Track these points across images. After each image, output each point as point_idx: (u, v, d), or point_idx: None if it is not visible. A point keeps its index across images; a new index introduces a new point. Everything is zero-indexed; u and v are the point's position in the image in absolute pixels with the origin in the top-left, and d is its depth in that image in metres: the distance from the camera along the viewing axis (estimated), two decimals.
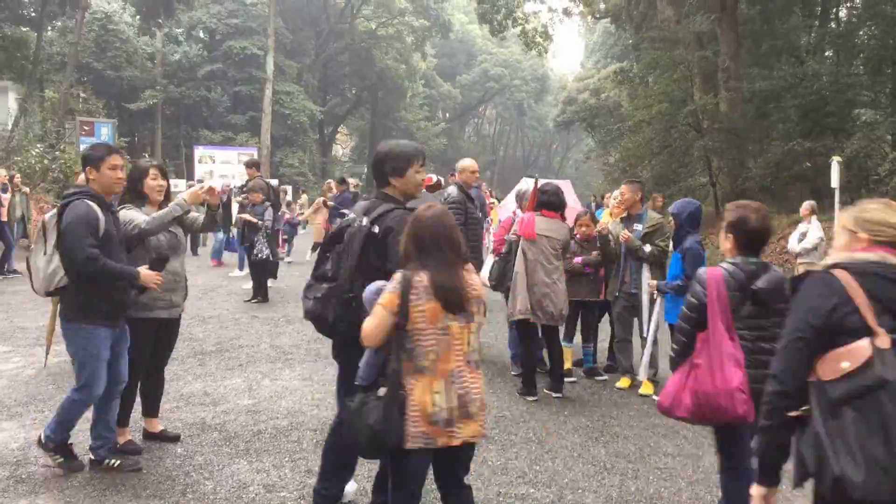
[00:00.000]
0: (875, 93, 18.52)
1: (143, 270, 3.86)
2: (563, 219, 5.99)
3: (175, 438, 4.61)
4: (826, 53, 21.66)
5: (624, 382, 6.31)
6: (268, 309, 9.61)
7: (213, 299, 10.32)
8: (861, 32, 19.60)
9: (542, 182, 6.28)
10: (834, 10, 23.78)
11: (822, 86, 17.80)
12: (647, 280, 6.05)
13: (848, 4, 23.89)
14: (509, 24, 31.16)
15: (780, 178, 19.26)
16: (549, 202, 5.83)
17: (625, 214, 6.42)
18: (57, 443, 3.99)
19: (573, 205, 9.36)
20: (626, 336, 6.34)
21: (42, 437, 4.03)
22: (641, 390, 6.08)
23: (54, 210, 3.90)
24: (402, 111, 51.40)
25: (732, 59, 20.49)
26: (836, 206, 13.83)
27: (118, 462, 4.08)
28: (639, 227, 6.23)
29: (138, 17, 36.81)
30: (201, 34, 43.03)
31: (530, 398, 5.76)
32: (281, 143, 40.02)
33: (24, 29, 31.35)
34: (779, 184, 19.84)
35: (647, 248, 6.04)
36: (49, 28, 34.72)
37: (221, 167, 33.11)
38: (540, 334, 5.98)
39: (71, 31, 31.61)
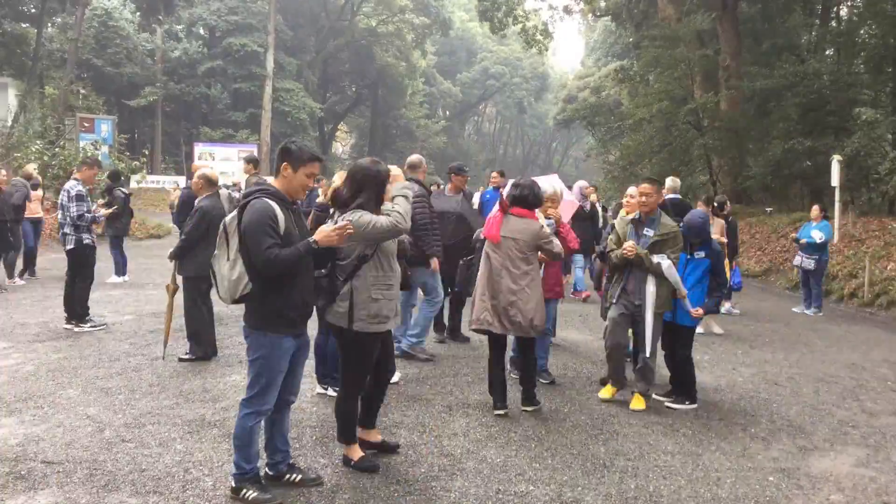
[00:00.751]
0: (875, 92, 18.54)
1: (318, 232, 3.58)
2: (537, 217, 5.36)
3: (394, 448, 4.44)
4: (827, 52, 21.65)
5: (607, 392, 5.76)
6: None
7: (212, 295, 10.31)
8: (862, 31, 19.60)
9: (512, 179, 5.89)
10: (835, 8, 23.78)
11: (823, 84, 17.81)
12: (652, 293, 5.39)
13: (849, 3, 23.89)
14: (510, 21, 31.20)
15: (781, 176, 19.29)
16: (522, 198, 5.19)
17: (636, 216, 5.58)
18: (249, 474, 3.72)
19: (569, 198, 9.18)
20: (618, 344, 5.65)
21: (232, 483, 3.74)
22: (633, 405, 5.54)
23: (234, 212, 3.65)
24: (402, 109, 51.43)
25: (733, 58, 20.52)
26: (837, 204, 13.86)
27: (299, 477, 3.92)
28: (649, 232, 5.42)
29: (138, 13, 36.85)
30: (201, 31, 43.06)
31: (497, 412, 5.24)
32: (281, 141, 39.91)
33: (24, 25, 31.40)
34: (779, 182, 19.86)
35: (656, 259, 5.31)
36: (49, 24, 34.79)
37: (221, 164, 33.11)
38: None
39: (71, 28, 31.66)
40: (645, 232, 5.44)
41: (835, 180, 13.65)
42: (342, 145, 62.52)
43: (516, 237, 5.09)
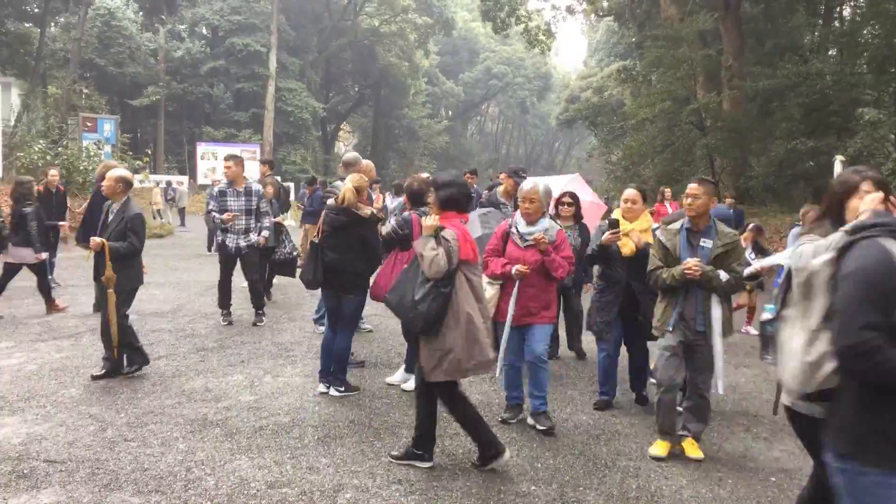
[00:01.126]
0: (878, 92, 18.51)
1: None
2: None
3: None
4: (829, 52, 21.65)
5: (661, 448, 4.59)
6: (270, 306, 9.61)
7: (214, 296, 10.32)
8: (865, 31, 19.58)
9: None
10: (838, 8, 23.76)
11: (826, 85, 17.80)
12: (719, 318, 4.49)
13: (852, 3, 23.87)
14: (512, 21, 31.20)
15: (783, 176, 19.27)
16: (452, 199, 4.22)
17: (686, 224, 4.67)
18: None
19: (591, 198, 9.08)
20: (673, 382, 4.60)
21: None
22: (688, 453, 4.57)
23: (826, 254, 2.31)
24: (404, 109, 51.49)
25: (735, 58, 20.50)
26: None
27: None
28: (707, 243, 4.52)
29: (141, 13, 36.90)
30: (204, 31, 43.15)
31: (421, 464, 4.24)
32: (283, 140, 40.07)
33: (27, 25, 31.45)
34: (781, 182, 19.84)
35: (723, 275, 4.42)
36: (52, 24, 34.86)
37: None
38: None
39: (74, 28, 31.71)
40: (702, 243, 4.54)
41: None
42: (345, 145, 62.54)
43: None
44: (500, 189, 6.97)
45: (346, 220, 5.52)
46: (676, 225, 4.70)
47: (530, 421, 5.02)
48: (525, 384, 5.14)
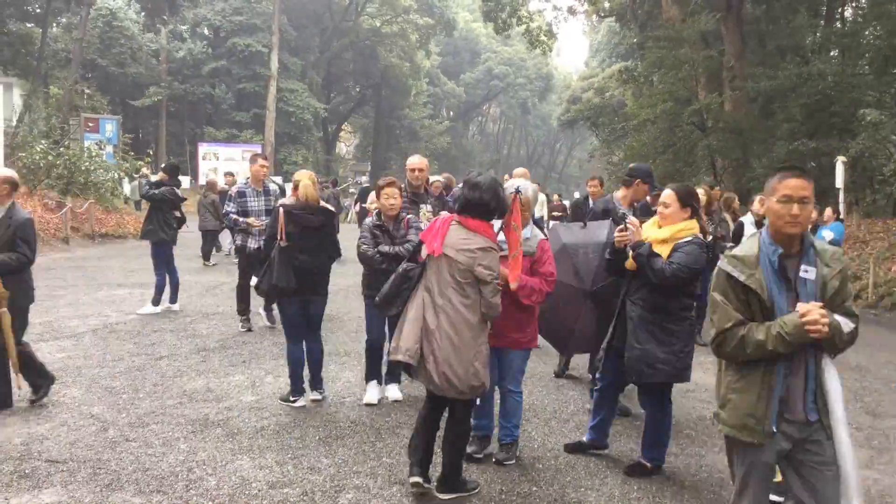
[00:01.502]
0: (880, 93, 18.49)
1: None
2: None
3: None
4: (831, 53, 21.61)
5: None
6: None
7: (216, 296, 10.34)
8: (867, 32, 19.57)
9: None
10: (839, 9, 23.73)
11: (827, 85, 17.78)
12: (838, 392, 2.61)
13: (853, 4, 23.85)
14: (514, 22, 31.19)
15: None
16: (480, 202, 3.76)
17: (777, 249, 2.67)
18: None
19: None
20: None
21: None
22: None
23: None
24: (405, 109, 51.47)
25: (737, 59, 20.50)
26: (841, 205, 13.83)
27: None
28: (809, 273, 2.66)
29: (143, 13, 36.93)
30: (206, 31, 43.16)
31: (412, 478, 3.84)
32: (285, 141, 40.07)
33: (29, 25, 31.48)
34: None
35: (846, 324, 2.62)
36: (54, 24, 34.88)
37: (225, 164, 33.18)
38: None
39: (76, 28, 31.71)
40: (803, 273, 2.65)
41: (839, 182, 13.62)
42: (346, 146, 62.59)
43: (451, 256, 3.70)
44: (619, 194, 5.69)
45: (320, 217, 5.23)
46: (753, 248, 2.72)
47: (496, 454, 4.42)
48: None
